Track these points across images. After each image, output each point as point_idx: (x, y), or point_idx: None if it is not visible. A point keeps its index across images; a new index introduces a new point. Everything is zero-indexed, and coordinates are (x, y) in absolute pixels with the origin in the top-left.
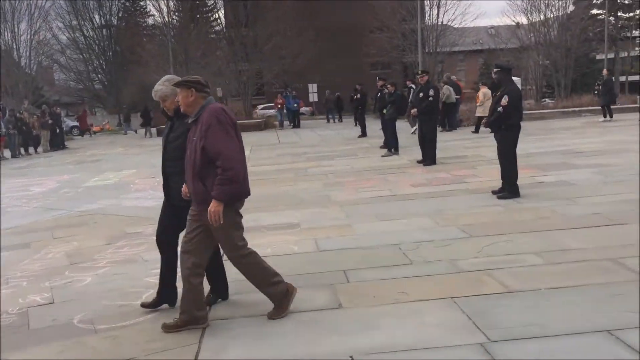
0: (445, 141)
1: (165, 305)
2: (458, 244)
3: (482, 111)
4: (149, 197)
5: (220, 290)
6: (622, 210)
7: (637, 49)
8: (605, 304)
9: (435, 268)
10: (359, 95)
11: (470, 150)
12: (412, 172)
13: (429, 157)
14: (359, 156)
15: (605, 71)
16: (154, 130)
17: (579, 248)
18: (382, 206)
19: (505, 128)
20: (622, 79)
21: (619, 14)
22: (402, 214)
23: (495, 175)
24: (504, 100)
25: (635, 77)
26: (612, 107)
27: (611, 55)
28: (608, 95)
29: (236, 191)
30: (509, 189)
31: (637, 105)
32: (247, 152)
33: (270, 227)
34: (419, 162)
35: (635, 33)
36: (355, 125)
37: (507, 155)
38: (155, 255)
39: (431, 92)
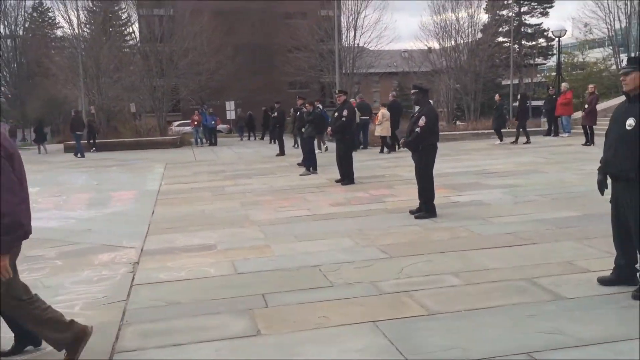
0: (363, 161)
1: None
2: (379, 264)
3: (380, 131)
4: (53, 217)
5: (25, 337)
6: (533, 229)
7: (538, 75)
8: (524, 325)
9: (356, 290)
10: (276, 114)
11: (387, 169)
12: (331, 191)
13: (347, 177)
14: (277, 175)
15: (497, 97)
16: (49, 146)
17: (495, 268)
18: (301, 226)
19: (423, 148)
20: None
21: (523, 42)
22: (322, 234)
23: (413, 194)
24: (422, 121)
25: (539, 102)
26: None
27: (516, 81)
28: (500, 120)
29: (17, 237)
30: (426, 208)
31: (541, 128)
32: (161, 170)
33: (184, 248)
34: (337, 181)
35: (538, 60)
36: (271, 142)
37: (425, 175)
38: (58, 281)
39: (344, 112)
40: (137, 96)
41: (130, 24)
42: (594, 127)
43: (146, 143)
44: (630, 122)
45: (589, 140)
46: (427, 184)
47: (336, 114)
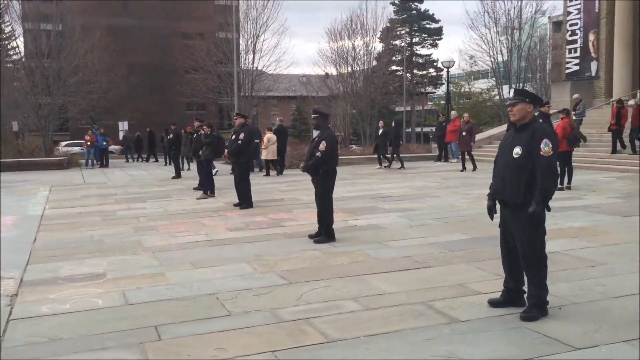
0: (261, 184)
1: None
2: (278, 291)
3: (266, 154)
4: None
5: None
6: (427, 253)
7: (429, 103)
8: (421, 349)
9: (255, 319)
10: (171, 135)
11: (285, 193)
12: (228, 215)
13: (245, 200)
14: (173, 198)
15: (381, 123)
16: None
17: (392, 292)
18: (198, 252)
19: (323, 173)
20: (418, 129)
21: (415, 71)
22: (219, 260)
23: (312, 218)
24: (323, 145)
25: (430, 129)
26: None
27: (408, 108)
28: (383, 145)
29: None
30: (325, 233)
31: (432, 153)
32: (45, 193)
33: (70, 278)
34: (235, 205)
35: (428, 89)
36: (166, 164)
37: (325, 200)
38: None
39: (241, 136)
40: (20, 114)
41: (14, 37)
42: (472, 152)
43: (29, 164)
44: (517, 151)
45: (464, 167)
46: (327, 208)
47: (233, 136)
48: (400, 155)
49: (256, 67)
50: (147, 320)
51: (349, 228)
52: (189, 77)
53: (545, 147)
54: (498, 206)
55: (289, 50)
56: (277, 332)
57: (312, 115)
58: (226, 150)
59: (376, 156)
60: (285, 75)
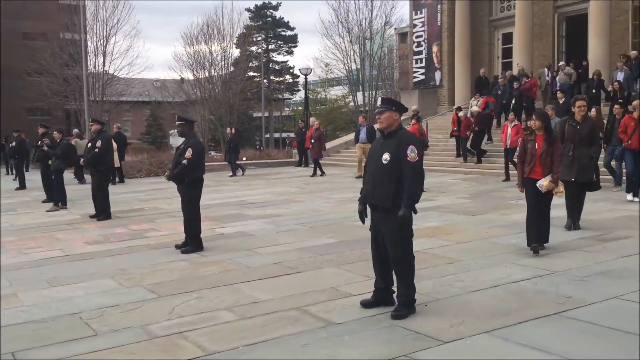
0: (118, 194)
1: None
2: (147, 306)
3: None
4: None
5: None
6: (297, 258)
7: (287, 109)
8: (300, 355)
9: (125, 337)
10: (14, 143)
11: (146, 203)
12: (85, 228)
13: (102, 211)
14: (19, 212)
15: (228, 129)
16: None
17: (266, 299)
18: (54, 269)
19: (189, 181)
20: (277, 135)
21: (272, 77)
22: (79, 276)
23: (177, 228)
24: (188, 153)
25: (288, 134)
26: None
27: (266, 114)
28: (234, 152)
29: None
30: (192, 242)
31: (293, 159)
32: None
33: None
34: (92, 216)
35: (286, 95)
36: (8, 173)
37: (191, 208)
38: None
39: (98, 143)
40: None
41: None
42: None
43: None
44: (386, 157)
45: (315, 173)
46: (194, 217)
47: (89, 144)
48: (238, 162)
49: (107, 71)
50: (3, 347)
51: (216, 236)
52: (32, 80)
53: (412, 153)
54: (369, 210)
55: (142, 54)
56: (150, 349)
57: (177, 122)
58: (82, 159)
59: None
60: (139, 79)
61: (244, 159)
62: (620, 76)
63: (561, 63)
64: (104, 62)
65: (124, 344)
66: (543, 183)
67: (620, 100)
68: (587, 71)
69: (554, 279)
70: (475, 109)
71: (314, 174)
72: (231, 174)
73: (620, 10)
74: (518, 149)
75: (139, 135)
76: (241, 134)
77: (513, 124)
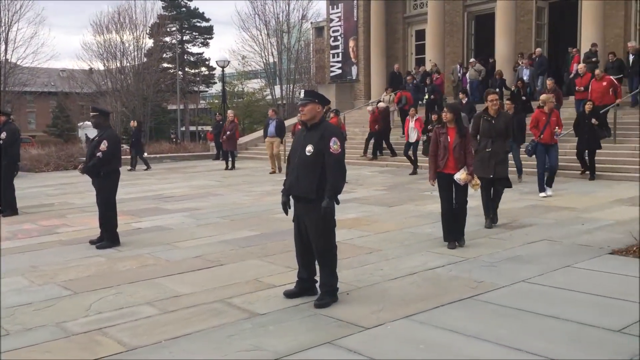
0: (24, 188)
1: None
2: (62, 303)
3: None
4: None
5: None
6: (219, 251)
7: (202, 102)
8: (224, 346)
9: (40, 335)
10: None
11: (55, 197)
12: None
13: (8, 207)
14: None
15: (132, 122)
16: None
17: (188, 293)
18: None
19: (105, 174)
20: (193, 128)
21: (187, 69)
22: None
23: (91, 223)
24: (104, 145)
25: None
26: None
27: (182, 107)
28: (137, 146)
29: None
30: (108, 237)
31: (210, 152)
32: None
33: None
34: None
35: (202, 88)
36: None
37: (107, 203)
38: None
39: (3, 135)
40: None
41: None
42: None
43: None
44: (309, 149)
45: (227, 166)
46: (110, 212)
47: None
48: (145, 156)
49: (8, 59)
50: None
51: (133, 231)
52: None
53: (334, 145)
54: (292, 202)
55: (48, 42)
56: (68, 346)
57: (91, 114)
58: None
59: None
60: (44, 69)
61: (145, 154)
62: (526, 73)
63: (472, 60)
64: (5, 50)
65: (39, 342)
66: (460, 176)
67: (524, 97)
68: (494, 68)
69: (467, 266)
70: (382, 104)
71: (227, 167)
72: (145, 167)
73: (525, 10)
74: (430, 143)
75: (44, 128)
76: (142, 128)
77: (415, 118)
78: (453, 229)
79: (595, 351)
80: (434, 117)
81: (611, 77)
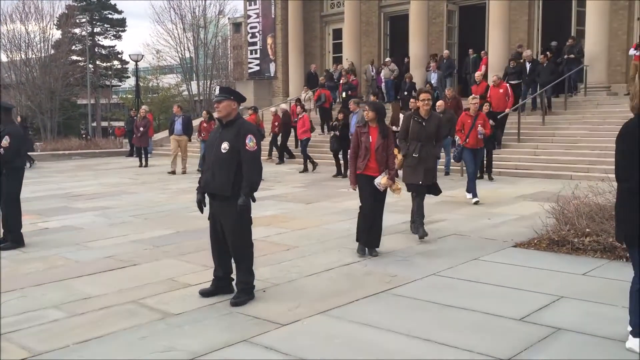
0: None
1: None
2: None
3: None
4: None
5: None
6: (132, 251)
7: (115, 97)
8: (137, 348)
9: None
10: None
11: None
12: None
13: None
14: None
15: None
16: None
17: (99, 294)
18: None
19: (8, 172)
20: (105, 124)
21: (98, 62)
22: None
23: None
24: (5, 142)
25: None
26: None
27: (93, 101)
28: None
29: None
30: (12, 238)
31: (124, 149)
32: None
33: None
34: None
35: (114, 82)
36: None
37: (11, 201)
38: None
39: None
40: None
41: None
42: (147, 147)
43: None
44: (225, 146)
45: (142, 163)
46: (13, 211)
47: None
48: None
49: None
50: None
51: (39, 231)
52: None
53: (250, 142)
54: (208, 199)
55: None
56: None
57: None
58: None
59: None
60: None
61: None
62: (433, 77)
63: (387, 59)
64: None
65: None
66: (380, 181)
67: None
68: (409, 68)
69: (381, 260)
70: (283, 106)
71: (141, 164)
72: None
73: (436, 12)
74: (351, 142)
75: None
76: (26, 123)
77: (300, 116)
78: (367, 239)
79: (498, 339)
80: (340, 115)
81: (507, 84)
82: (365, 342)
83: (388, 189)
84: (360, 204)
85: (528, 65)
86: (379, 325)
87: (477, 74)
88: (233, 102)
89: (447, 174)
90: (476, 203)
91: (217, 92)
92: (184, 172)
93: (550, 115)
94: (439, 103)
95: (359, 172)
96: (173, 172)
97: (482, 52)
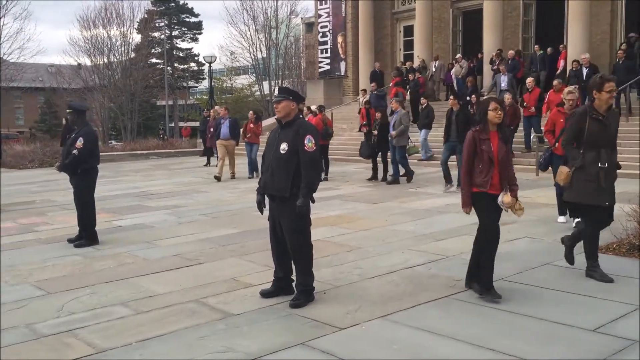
0: (8, 185)
1: None
2: (34, 304)
3: None
4: None
5: None
6: (198, 249)
7: (191, 98)
8: (196, 348)
9: (9, 337)
10: None
11: (37, 195)
12: None
13: None
14: None
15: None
16: None
17: (164, 292)
18: None
19: (82, 172)
20: (182, 124)
21: (176, 65)
22: None
23: (70, 221)
24: (80, 143)
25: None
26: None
27: (170, 102)
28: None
29: None
30: (86, 236)
31: (198, 148)
32: None
33: None
34: None
35: (191, 83)
36: None
37: (85, 200)
38: None
39: None
40: None
41: None
42: None
43: None
44: (284, 147)
45: (208, 162)
46: (88, 210)
47: None
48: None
49: None
50: None
51: (113, 229)
52: None
53: (309, 142)
54: (267, 200)
55: (34, 37)
56: (37, 348)
57: (67, 111)
58: None
59: None
60: (31, 64)
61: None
62: (503, 80)
63: (458, 55)
64: None
65: (8, 344)
66: (503, 199)
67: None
68: (482, 64)
69: (447, 263)
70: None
71: (208, 163)
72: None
73: (512, 6)
74: (465, 152)
75: (32, 123)
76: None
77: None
78: (486, 276)
79: (568, 350)
80: (378, 114)
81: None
82: (424, 348)
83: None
84: (482, 230)
85: (585, 71)
86: (441, 331)
87: (529, 80)
88: (292, 102)
89: None
90: (577, 225)
91: (276, 92)
92: (232, 177)
93: (632, 116)
94: (452, 102)
95: (480, 190)
96: (218, 178)
97: (560, 46)
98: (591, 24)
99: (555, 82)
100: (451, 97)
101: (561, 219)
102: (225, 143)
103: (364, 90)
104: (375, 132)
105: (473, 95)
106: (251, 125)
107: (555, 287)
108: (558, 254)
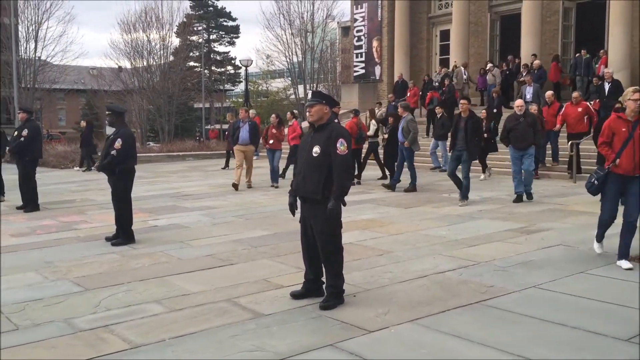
0: (49, 184)
1: None
2: (72, 299)
3: None
4: None
5: None
6: (231, 250)
7: (227, 100)
8: (227, 346)
9: (47, 331)
10: None
11: (77, 194)
12: (11, 220)
13: (30, 202)
14: None
15: (82, 123)
16: None
17: (197, 291)
18: None
19: (120, 172)
20: (218, 126)
21: (213, 68)
22: (2, 269)
23: (108, 220)
24: (118, 144)
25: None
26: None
27: (207, 105)
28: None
29: None
30: (123, 234)
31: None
32: None
33: None
34: (18, 208)
35: (227, 86)
36: None
37: (122, 200)
38: None
39: (24, 132)
40: None
41: None
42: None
43: None
44: (316, 150)
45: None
46: (125, 209)
47: (16, 132)
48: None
49: (39, 57)
50: None
51: (149, 228)
52: None
53: (341, 146)
54: (299, 202)
55: (76, 40)
56: (73, 343)
57: (106, 112)
58: (8, 148)
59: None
60: (74, 66)
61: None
62: (529, 91)
63: (489, 65)
64: (35, 48)
65: (45, 338)
66: None
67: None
68: (519, 68)
69: (478, 269)
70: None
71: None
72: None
73: (551, 10)
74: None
75: (73, 125)
76: (93, 128)
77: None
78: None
79: None
80: (390, 119)
81: (587, 103)
82: (453, 353)
83: None
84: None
85: (607, 86)
86: (470, 337)
87: (549, 94)
88: (325, 106)
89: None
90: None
91: (309, 96)
92: (249, 187)
93: None
94: (463, 107)
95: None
96: (236, 187)
97: (601, 51)
98: (632, 27)
99: (575, 94)
100: (463, 101)
101: (598, 249)
102: (244, 149)
103: (379, 103)
104: (386, 136)
105: (483, 111)
106: (273, 130)
107: (589, 296)
108: (594, 262)
